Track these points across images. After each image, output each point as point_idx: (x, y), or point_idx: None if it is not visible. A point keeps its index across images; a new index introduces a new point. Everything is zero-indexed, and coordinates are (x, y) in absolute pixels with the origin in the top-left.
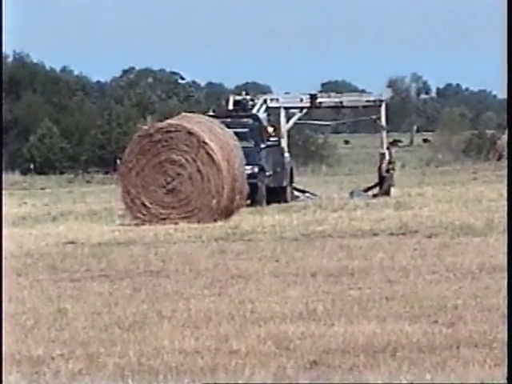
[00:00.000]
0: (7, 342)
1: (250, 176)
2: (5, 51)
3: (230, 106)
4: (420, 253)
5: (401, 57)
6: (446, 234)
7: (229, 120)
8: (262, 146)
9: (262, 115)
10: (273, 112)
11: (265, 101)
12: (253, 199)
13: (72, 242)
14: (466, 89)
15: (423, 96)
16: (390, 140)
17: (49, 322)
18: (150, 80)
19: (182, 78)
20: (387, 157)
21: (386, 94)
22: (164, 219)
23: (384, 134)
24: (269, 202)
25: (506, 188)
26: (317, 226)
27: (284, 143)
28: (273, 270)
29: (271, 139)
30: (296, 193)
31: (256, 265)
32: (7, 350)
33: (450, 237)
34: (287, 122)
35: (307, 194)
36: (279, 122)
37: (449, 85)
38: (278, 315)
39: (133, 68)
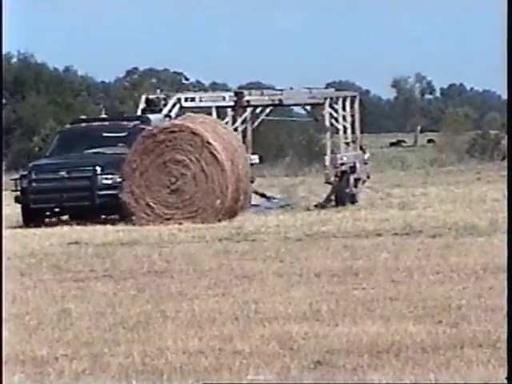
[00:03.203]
0: (11, 342)
1: (110, 187)
2: (9, 51)
3: (142, 106)
4: (424, 253)
5: (405, 57)
6: (450, 234)
7: (106, 123)
8: None
9: (158, 117)
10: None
11: (178, 100)
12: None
13: (76, 242)
14: (471, 89)
15: (427, 96)
16: (394, 140)
17: (53, 322)
18: (154, 80)
19: (186, 79)
20: (328, 162)
21: (332, 92)
22: (168, 219)
23: (328, 135)
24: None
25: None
26: (321, 227)
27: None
28: (277, 270)
29: None
30: (257, 198)
31: (260, 265)
32: (11, 351)
33: (454, 237)
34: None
35: (261, 201)
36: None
37: (453, 85)
38: (282, 315)
39: (136, 68)
